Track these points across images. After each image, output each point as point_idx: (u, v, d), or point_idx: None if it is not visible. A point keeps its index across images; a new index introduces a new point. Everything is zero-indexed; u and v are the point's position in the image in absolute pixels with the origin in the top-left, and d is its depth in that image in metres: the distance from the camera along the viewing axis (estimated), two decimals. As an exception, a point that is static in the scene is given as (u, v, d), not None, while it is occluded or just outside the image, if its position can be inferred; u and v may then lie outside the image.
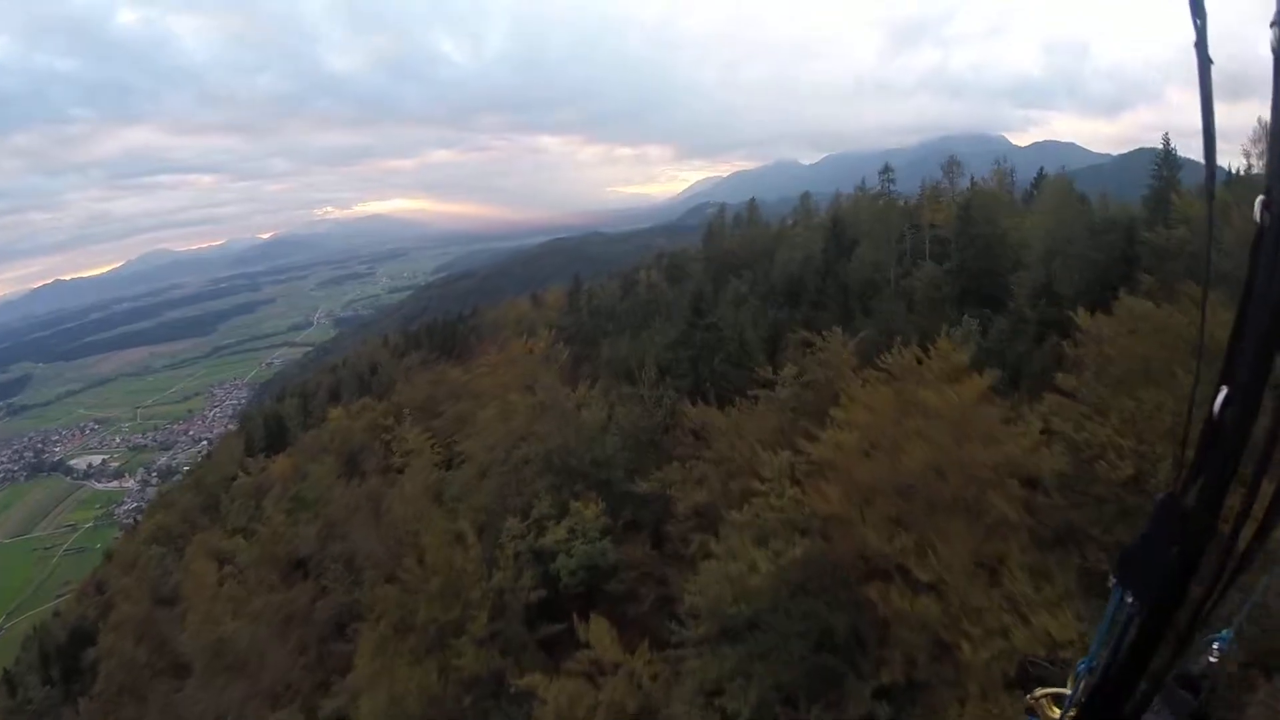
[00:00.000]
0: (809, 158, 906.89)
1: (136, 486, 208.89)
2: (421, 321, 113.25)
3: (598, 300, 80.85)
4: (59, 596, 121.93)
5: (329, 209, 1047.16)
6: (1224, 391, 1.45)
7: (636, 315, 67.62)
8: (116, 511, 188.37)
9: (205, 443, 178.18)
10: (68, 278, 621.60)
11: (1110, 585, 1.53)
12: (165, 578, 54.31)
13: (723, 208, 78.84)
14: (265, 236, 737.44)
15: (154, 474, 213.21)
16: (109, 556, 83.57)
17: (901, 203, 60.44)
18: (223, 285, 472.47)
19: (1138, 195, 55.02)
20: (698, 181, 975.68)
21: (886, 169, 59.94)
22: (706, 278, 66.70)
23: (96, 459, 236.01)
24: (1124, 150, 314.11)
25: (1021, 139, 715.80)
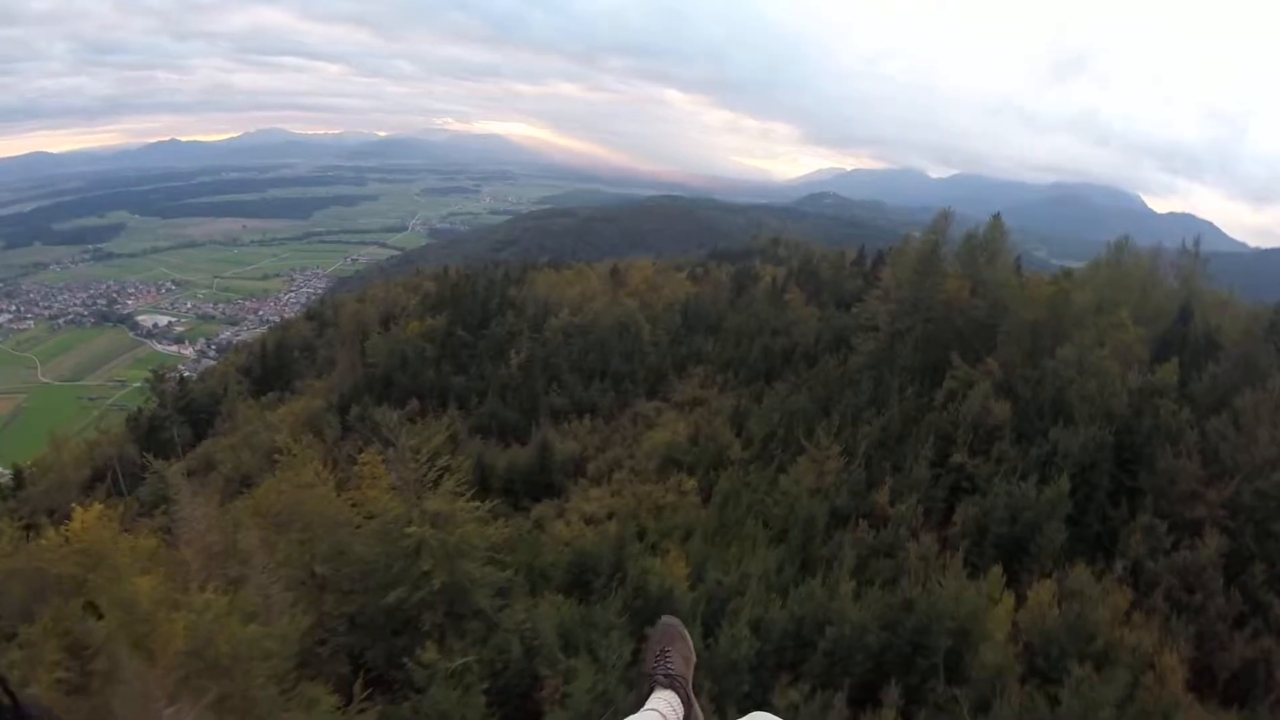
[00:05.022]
0: (937, 171, 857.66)
1: (193, 356, 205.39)
2: (468, 264, 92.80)
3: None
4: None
5: (448, 120, 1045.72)
6: None
7: (752, 345, 51.04)
8: (167, 375, 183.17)
9: (271, 325, 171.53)
10: (184, 139, 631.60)
11: None
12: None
13: (947, 215, 49.59)
14: (381, 134, 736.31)
15: (212, 346, 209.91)
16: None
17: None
18: (330, 173, 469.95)
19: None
20: (819, 170, 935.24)
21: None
22: (899, 341, 42.87)
23: (163, 319, 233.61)
24: (1263, 244, 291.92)
25: (1158, 204, 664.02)
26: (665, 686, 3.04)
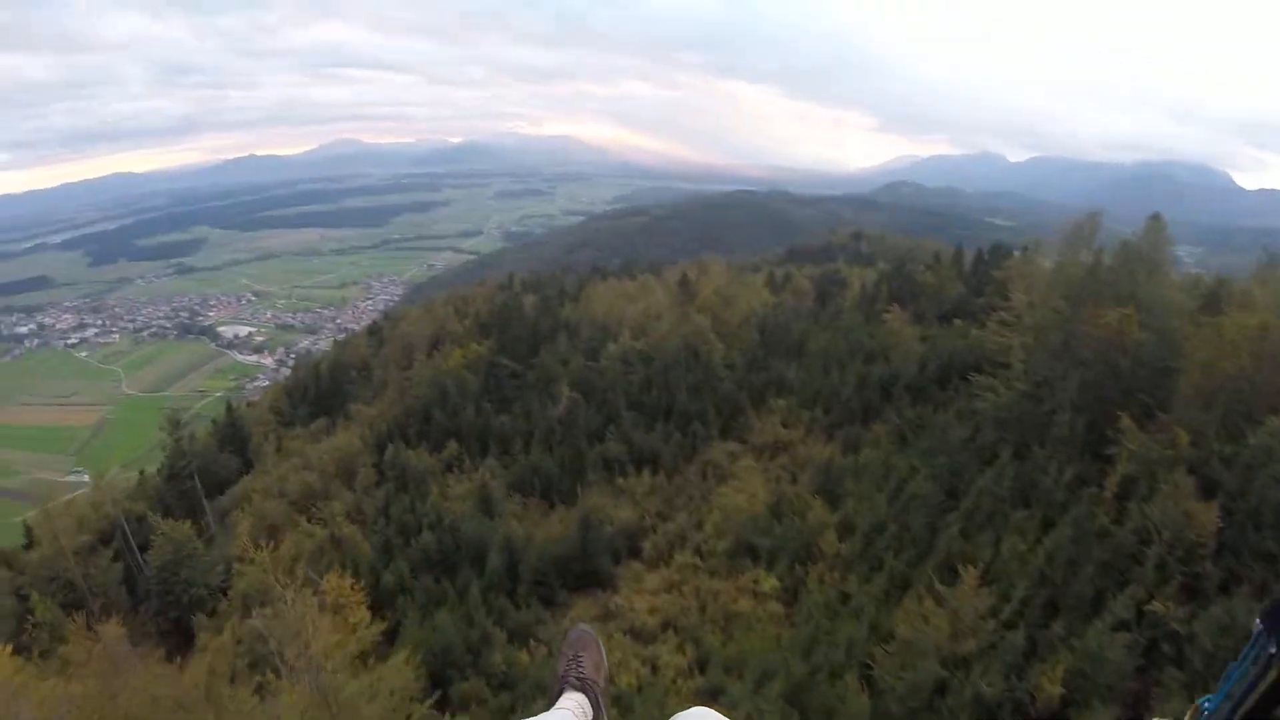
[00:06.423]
0: (1015, 155, 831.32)
1: (272, 365, 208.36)
2: (536, 270, 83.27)
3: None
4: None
5: (519, 123, 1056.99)
6: None
7: (844, 373, 43.63)
8: (247, 386, 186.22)
9: (348, 333, 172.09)
10: (260, 153, 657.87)
11: (1255, 631, 1.56)
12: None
13: (1096, 216, 36.41)
14: (454, 140, 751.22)
15: (291, 355, 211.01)
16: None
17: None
18: (404, 180, 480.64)
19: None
20: (894, 158, 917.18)
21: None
22: (1044, 393, 31.79)
23: (244, 330, 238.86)
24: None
25: (1248, 181, 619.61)
26: (576, 689, 3.08)
